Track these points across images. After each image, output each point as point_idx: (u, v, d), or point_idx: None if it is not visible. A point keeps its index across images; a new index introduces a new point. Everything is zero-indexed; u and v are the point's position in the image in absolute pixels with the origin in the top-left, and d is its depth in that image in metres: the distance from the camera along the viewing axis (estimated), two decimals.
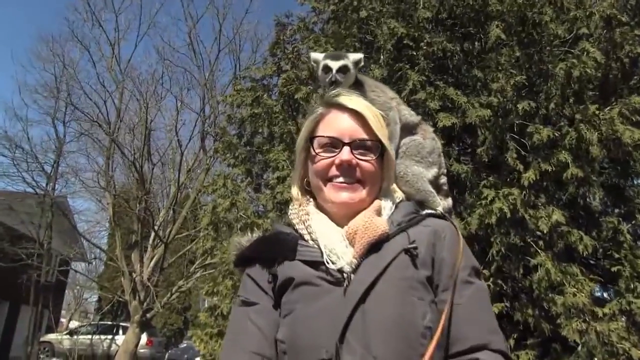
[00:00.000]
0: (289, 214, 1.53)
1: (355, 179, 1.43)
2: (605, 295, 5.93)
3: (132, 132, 18.99)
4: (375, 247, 1.35)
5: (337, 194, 1.43)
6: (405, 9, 6.19)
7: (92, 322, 25.98)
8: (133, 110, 19.44)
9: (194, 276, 18.06)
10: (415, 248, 1.34)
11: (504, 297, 5.52)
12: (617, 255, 5.14)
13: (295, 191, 1.57)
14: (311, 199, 1.53)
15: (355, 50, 6.35)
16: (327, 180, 1.45)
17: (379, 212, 1.43)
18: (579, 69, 5.26)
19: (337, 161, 1.42)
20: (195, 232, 17.33)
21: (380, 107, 1.66)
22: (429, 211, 1.54)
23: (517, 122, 5.48)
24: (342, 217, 1.43)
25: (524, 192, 5.23)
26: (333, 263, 1.33)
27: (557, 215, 5.04)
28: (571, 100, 5.64)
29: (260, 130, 7.68)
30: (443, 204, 1.82)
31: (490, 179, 5.58)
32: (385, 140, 1.47)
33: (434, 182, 1.83)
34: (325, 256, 1.35)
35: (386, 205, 1.47)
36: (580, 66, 5.25)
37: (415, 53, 5.90)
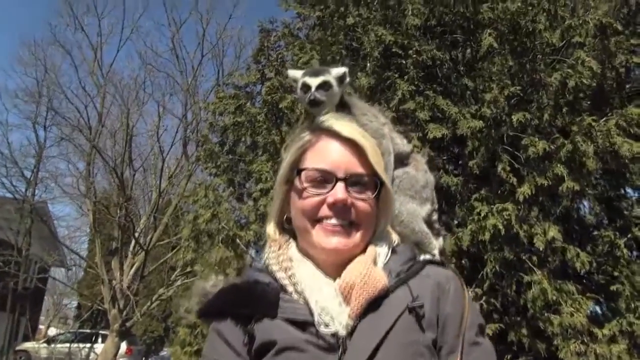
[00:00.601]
0: (265, 257, 1.27)
1: (349, 221, 1.20)
2: (599, 309, 5.76)
3: (114, 137, 18.57)
4: (373, 304, 1.14)
5: (328, 238, 1.19)
6: (393, 16, 5.96)
7: (71, 330, 25.42)
8: (115, 115, 19.03)
9: (175, 284, 17.68)
10: (421, 306, 1.14)
11: (497, 315, 5.32)
12: (615, 273, 4.96)
13: (272, 229, 1.31)
14: (292, 240, 1.28)
15: (342, 58, 6.13)
16: (316, 221, 1.20)
17: (374, 261, 1.21)
18: (575, 79, 5.09)
19: (329, 200, 1.19)
20: (177, 239, 16.97)
21: (373, 134, 1.44)
22: (427, 257, 1.36)
23: (510, 133, 5.29)
24: (330, 264, 1.21)
25: (519, 207, 5.03)
26: (326, 325, 1.11)
27: (554, 232, 4.86)
28: (564, 111, 5.46)
29: (243, 139, 7.42)
30: (438, 244, 1.65)
31: (482, 192, 5.38)
32: (384, 176, 1.25)
33: (428, 220, 1.66)
34: (316, 316, 1.12)
35: (382, 252, 1.25)
36: (575, 76, 5.08)
37: (403, 61, 5.68)
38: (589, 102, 5.60)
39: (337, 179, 1.19)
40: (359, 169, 1.21)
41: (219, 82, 15.96)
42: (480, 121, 5.29)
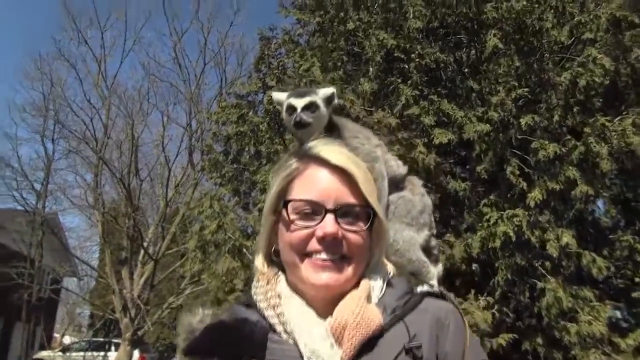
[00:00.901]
0: (252, 292, 1.17)
1: (340, 255, 1.09)
2: (619, 314, 5.56)
3: (120, 148, 18.62)
4: (367, 345, 1.04)
5: (317, 274, 1.08)
6: (394, 19, 5.81)
7: (85, 339, 25.57)
8: (120, 126, 19.09)
9: (184, 292, 17.68)
10: (419, 347, 1.04)
11: (509, 320, 5.15)
12: (635, 278, 4.77)
13: (260, 262, 1.21)
14: (281, 273, 1.18)
15: (343, 64, 5.99)
16: (305, 255, 1.10)
17: (368, 296, 1.11)
18: (586, 77, 4.91)
19: (318, 233, 1.08)
20: (185, 248, 16.99)
21: (365, 157, 1.36)
22: (425, 289, 1.22)
23: (519, 137, 5.12)
24: (321, 300, 1.11)
25: (530, 212, 4.86)
26: None
27: (567, 237, 4.69)
28: (575, 111, 5.28)
29: (246, 149, 7.31)
30: (436, 272, 1.54)
31: (491, 197, 5.22)
32: (376, 205, 1.14)
33: (425, 247, 1.55)
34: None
35: (376, 285, 1.13)
36: (587, 74, 4.90)
37: (406, 65, 5.53)
38: (601, 101, 5.40)
39: (327, 211, 1.08)
40: (350, 198, 1.11)
41: (222, 91, 15.89)
42: (487, 124, 5.13)
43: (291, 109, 1.50)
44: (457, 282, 5.59)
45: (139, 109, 19.01)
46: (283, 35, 6.97)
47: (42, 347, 23.99)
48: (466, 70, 5.85)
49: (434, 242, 1.63)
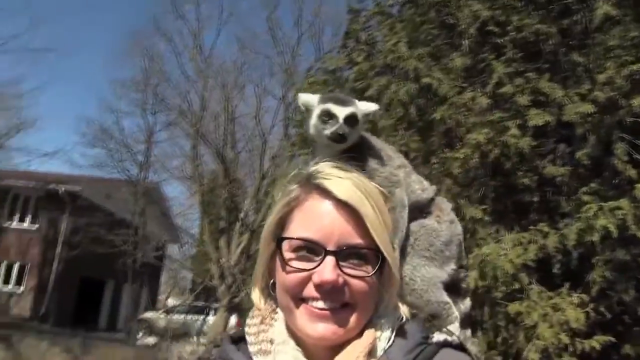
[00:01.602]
0: (246, 330, 1.04)
1: (341, 304, 0.95)
2: None
3: (216, 120, 19.28)
4: None
5: (314, 324, 0.95)
6: None
7: (185, 303, 27.19)
8: (216, 99, 19.72)
9: None
10: None
11: (606, 325, 4.69)
12: None
13: (256, 296, 1.08)
14: (279, 311, 1.04)
15: (433, 38, 5.68)
16: (301, 299, 0.96)
17: (372, 350, 0.95)
18: None
19: (315, 279, 0.94)
20: None
21: (383, 182, 1.19)
22: (442, 338, 1.04)
23: (629, 119, 4.57)
24: (320, 349, 0.98)
25: (636, 204, 4.34)
26: None
27: None
28: None
29: None
30: (460, 309, 1.33)
31: (593, 185, 4.73)
32: (387, 246, 0.97)
33: (451, 283, 1.35)
34: None
35: (383, 336, 0.99)
36: None
37: (501, 40, 5.10)
38: None
39: (327, 252, 0.94)
40: (355, 239, 0.96)
41: (310, 68, 15.94)
42: (592, 105, 4.62)
43: (329, 115, 1.33)
44: (550, 272, 5.20)
45: (234, 81, 19.50)
46: (374, 6, 6.68)
47: (148, 308, 25.85)
48: (571, 42, 5.30)
49: (463, 274, 1.43)
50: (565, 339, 4.17)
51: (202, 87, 18.96)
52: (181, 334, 22.64)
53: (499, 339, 4.89)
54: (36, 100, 47.42)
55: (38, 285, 22.22)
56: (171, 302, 30.33)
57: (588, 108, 4.58)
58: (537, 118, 4.67)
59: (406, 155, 5.38)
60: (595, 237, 4.31)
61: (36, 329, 16.52)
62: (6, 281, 22.83)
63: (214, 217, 20.20)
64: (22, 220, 23.55)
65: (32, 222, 23.37)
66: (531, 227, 4.81)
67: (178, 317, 23.40)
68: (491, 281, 4.62)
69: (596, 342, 4.24)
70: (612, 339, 4.32)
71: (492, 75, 4.88)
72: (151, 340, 22.55)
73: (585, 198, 4.68)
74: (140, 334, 23.03)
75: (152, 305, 26.20)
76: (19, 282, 22.78)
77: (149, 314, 24.76)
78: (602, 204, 4.35)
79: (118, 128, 23.31)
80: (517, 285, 4.58)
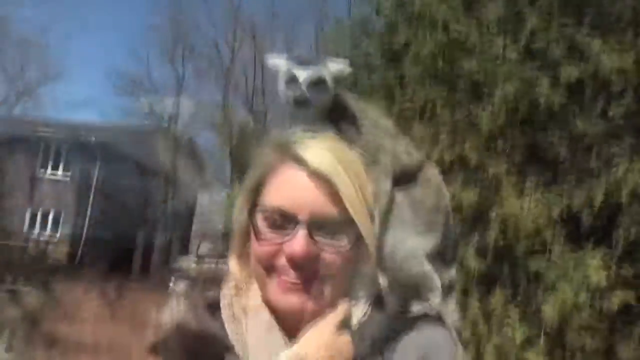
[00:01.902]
0: (221, 300, 1.02)
1: (315, 275, 0.93)
2: None
3: (245, 74, 19.28)
4: None
5: (285, 296, 0.93)
6: None
7: (216, 250, 27.90)
8: (245, 49, 19.63)
9: None
10: None
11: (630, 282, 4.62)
12: None
13: (233, 264, 1.05)
14: (254, 281, 1.02)
15: None
16: (274, 270, 0.94)
17: (345, 322, 0.93)
18: None
19: (286, 251, 0.91)
20: None
21: (365, 148, 1.10)
22: (420, 310, 1.03)
23: None
24: (293, 318, 0.96)
25: None
26: None
27: None
28: None
29: (359, 80, 7.06)
30: (444, 279, 1.23)
31: (625, 143, 4.58)
32: (362, 218, 0.94)
33: (436, 252, 1.25)
34: None
35: (357, 309, 0.96)
36: None
37: None
38: None
39: (299, 223, 0.91)
40: (329, 209, 0.92)
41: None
42: (631, 56, 4.40)
43: (292, 80, 1.20)
44: (577, 229, 5.12)
45: (264, 32, 19.32)
46: None
47: (179, 256, 26.62)
48: None
49: (449, 242, 1.31)
50: (583, 295, 4.16)
51: (233, 37, 18.86)
52: (212, 279, 23.39)
53: (519, 297, 4.88)
54: (66, 50, 47.65)
55: (73, 233, 23.07)
56: (203, 249, 31.17)
57: (627, 61, 4.38)
58: (571, 71, 4.49)
59: (432, 107, 5.32)
60: (624, 198, 4.21)
61: (72, 275, 17.17)
62: (42, 228, 23.70)
63: (243, 166, 20.46)
64: (54, 168, 24.30)
65: (65, 170, 24.08)
66: (557, 184, 4.72)
67: (209, 264, 24.10)
68: (513, 238, 4.58)
69: (617, 297, 4.21)
70: (633, 296, 4.28)
71: (525, 25, 4.68)
72: (182, 287, 23.36)
73: (616, 157, 4.56)
74: (172, 280, 23.84)
75: (185, 253, 26.97)
76: (54, 230, 23.66)
77: (181, 262, 25.55)
78: (633, 161, 4.23)
79: (147, 77, 23.54)
80: (539, 243, 4.54)
